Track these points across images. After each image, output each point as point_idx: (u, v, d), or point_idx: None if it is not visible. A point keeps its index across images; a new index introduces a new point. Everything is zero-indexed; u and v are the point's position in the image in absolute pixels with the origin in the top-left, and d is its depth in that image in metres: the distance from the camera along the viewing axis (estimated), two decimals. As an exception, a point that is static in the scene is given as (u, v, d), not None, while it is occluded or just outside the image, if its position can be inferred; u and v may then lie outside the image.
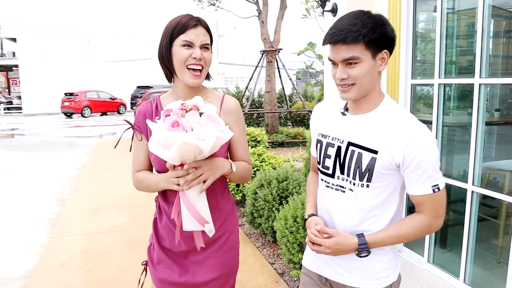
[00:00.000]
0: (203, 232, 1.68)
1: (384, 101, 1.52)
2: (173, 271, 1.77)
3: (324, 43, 1.46)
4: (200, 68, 1.67)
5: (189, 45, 1.63)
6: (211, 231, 1.67)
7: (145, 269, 1.90)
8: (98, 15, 30.06)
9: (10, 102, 32.04)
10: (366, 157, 1.47)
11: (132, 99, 25.47)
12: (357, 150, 1.49)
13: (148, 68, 30.88)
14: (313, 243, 1.53)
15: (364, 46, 1.38)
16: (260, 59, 11.27)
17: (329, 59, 1.47)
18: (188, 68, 1.65)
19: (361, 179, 1.50)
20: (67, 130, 18.00)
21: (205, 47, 1.67)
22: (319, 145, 1.62)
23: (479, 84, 2.87)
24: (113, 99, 26.84)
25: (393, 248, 1.64)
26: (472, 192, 2.99)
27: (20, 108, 30.59)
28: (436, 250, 3.47)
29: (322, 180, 1.62)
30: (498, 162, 3.05)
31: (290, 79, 11.51)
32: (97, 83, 29.36)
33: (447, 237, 3.48)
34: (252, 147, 6.81)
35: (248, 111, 11.43)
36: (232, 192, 4.97)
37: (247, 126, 10.86)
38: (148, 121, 1.55)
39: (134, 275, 3.61)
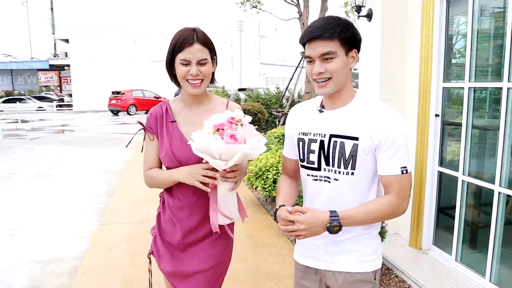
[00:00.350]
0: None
1: (357, 95, 1.66)
2: (173, 263, 1.94)
3: (303, 40, 1.58)
4: (199, 80, 1.80)
5: (186, 63, 1.77)
6: (238, 220, 1.91)
7: (150, 260, 2.07)
8: (144, 18, 30.97)
9: (62, 100, 33.60)
10: (349, 144, 1.58)
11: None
12: (339, 140, 1.59)
13: (191, 68, 31.70)
14: (286, 229, 1.55)
15: (339, 42, 1.52)
16: (300, 61, 11.41)
17: (307, 57, 1.59)
18: (188, 81, 1.80)
19: (345, 167, 1.60)
20: (113, 127, 18.81)
21: (202, 62, 1.79)
22: (301, 143, 1.70)
23: (507, 88, 2.95)
24: (157, 98, 27.39)
25: (377, 235, 1.74)
26: (499, 193, 3.07)
27: (70, 106, 32.05)
28: (464, 249, 3.54)
29: (308, 175, 1.70)
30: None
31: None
32: (142, 82, 30.16)
33: (475, 237, 3.53)
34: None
35: (288, 111, 11.60)
36: (269, 188, 5.18)
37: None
38: (197, 136, 1.65)
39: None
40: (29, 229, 5.02)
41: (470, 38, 3.30)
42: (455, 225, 3.55)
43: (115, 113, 26.24)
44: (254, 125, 1.74)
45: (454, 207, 3.55)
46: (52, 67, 36.24)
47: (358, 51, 1.59)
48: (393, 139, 1.55)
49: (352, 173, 1.60)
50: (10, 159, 10.21)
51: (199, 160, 1.73)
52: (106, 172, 8.29)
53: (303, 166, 1.72)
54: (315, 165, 1.66)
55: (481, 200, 3.41)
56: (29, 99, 31.77)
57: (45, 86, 39.27)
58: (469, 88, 3.34)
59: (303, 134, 1.69)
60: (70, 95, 34.26)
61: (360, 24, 4.34)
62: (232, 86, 24.41)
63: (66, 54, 34.12)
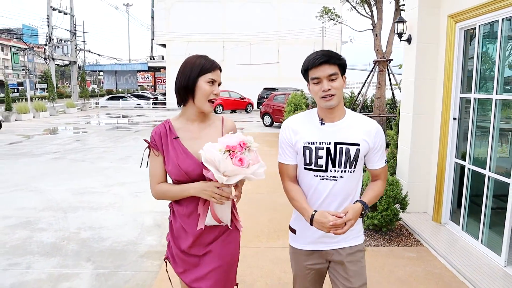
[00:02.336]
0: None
1: (347, 111, 2.07)
2: (189, 268, 2.08)
3: (312, 66, 1.95)
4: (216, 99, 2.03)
5: (212, 82, 1.99)
6: (229, 222, 2.09)
7: (166, 264, 2.21)
8: (232, 24, 32.96)
9: (156, 98, 37.00)
10: (353, 150, 1.99)
11: (259, 99, 27.20)
12: (344, 146, 1.98)
13: (275, 71, 33.22)
14: (334, 228, 1.89)
15: (338, 67, 1.95)
16: (373, 69, 12.41)
17: (314, 78, 1.96)
18: (209, 101, 2.00)
19: (350, 167, 2.00)
20: (203, 124, 20.92)
21: (220, 84, 2.05)
22: (307, 150, 2.01)
23: (496, 99, 4.04)
24: (242, 99, 29.02)
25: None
26: (489, 177, 4.15)
27: (164, 104, 35.20)
28: (468, 222, 4.61)
29: (316, 176, 2.03)
30: None
31: (399, 87, 12.44)
32: (229, 84, 32.13)
33: (475, 212, 4.51)
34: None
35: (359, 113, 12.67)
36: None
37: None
38: (208, 146, 1.86)
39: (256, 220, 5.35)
40: (148, 193, 6.78)
41: (475, 60, 4.41)
42: (462, 204, 4.65)
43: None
44: None
45: (463, 190, 4.65)
46: (150, 69, 39.98)
47: (345, 76, 2.04)
48: (381, 142, 2.06)
49: (353, 171, 2.02)
50: (123, 146, 12.50)
51: (202, 172, 1.92)
52: (199, 159, 10.10)
53: (309, 169, 2.04)
54: (323, 168, 2.00)
55: (479, 183, 4.43)
56: (129, 97, 35.49)
57: (139, 86, 43.33)
58: (473, 98, 4.45)
59: (309, 143, 2.02)
60: (163, 94, 37.44)
61: (402, 46, 5.52)
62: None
63: (162, 57, 37.33)
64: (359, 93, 13.68)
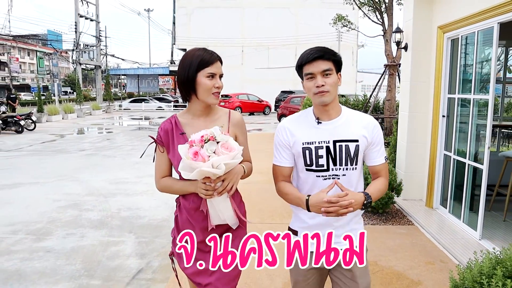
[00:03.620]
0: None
1: (343, 108, 2.00)
2: (194, 263, 1.95)
3: (308, 60, 1.89)
4: (219, 92, 2.00)
5: (212, 76, 1.94)
6: (234, 224, 2.04)
7: (172, 260, 2.16)
8: (251, 29, 33.90)
9: (177, 101, 38.12)
10: (352, 146, 1.93)
11: (276, 102, 27.98)
12: (343, 144, 1.93)
13: (292, 75, 33.97)
14: (331, 206, 1.79)
15: (332, 63, 1.89)
16: (383, 72, 13.09)
17: (308, 74, 1.89)
18: (213, 94, 1.96)
19: (351, 164, 1.95)
20: (222, 125, 21.86)
21: (221, 76, 2.01)
22: (307, 151, 1.95)
23: (473, 99, 4.78)
24: (260, 101, 29.84)
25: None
26: (469, 165, 4.87)
27: (184, 106, 36.24)
28: (454, 205, 5.32)
29: (318, 176, 1.96)
30: None
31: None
32: (248, 87, 33.02)
33: (459, 197, 5.20)
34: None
35: (383, 115, 13.37)
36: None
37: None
38: (179, 147, 1.84)
39: (266, 204, 6.16)
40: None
41: (458, 65, 5.14)
42: (449, 190, 5.37)
43: None
44: None
45: (450, 178, 5.37)
46: (170, 72, 41.20)
47: (341, 73, 1.99)
48: (380, 137, 2.00)
49: (355, 168, 1.97)
50: (146, 145, 13.41)
51: None
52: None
53: (310, 170, 1.98)
54: (325, 167, 1.95)
55: (464, 172, 5.13)
56: (151, 99, 36.70)
57: (160, 89, 44.57)
58: (457, 98, 5.18)
59: (308, 143, 1.96)
60: (184, 97, 38.57)
61: (399, 53, 6.25)
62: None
63: (183, 61, 38.43)
64: (370, 95, 14.36)
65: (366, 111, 14.39)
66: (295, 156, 2.03)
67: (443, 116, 5.53)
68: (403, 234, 4.96)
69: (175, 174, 2.07)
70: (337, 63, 1.93)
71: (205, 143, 1.76)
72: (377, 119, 15.18)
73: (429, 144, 5.80)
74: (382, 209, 5.44)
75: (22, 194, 6.99)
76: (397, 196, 5.59)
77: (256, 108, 29.64)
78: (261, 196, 6.62)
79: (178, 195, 2.12)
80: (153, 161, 2.09)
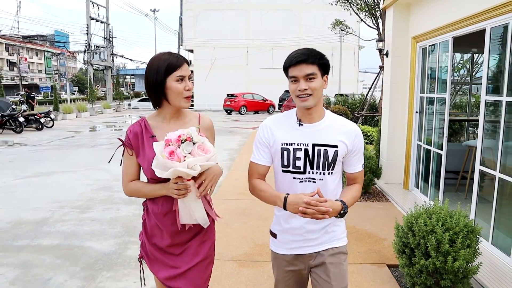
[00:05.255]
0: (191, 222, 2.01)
1: (326, 112, 2.03)
2: (165, 266, 2.06)
3: (291, 63, 1.90)
4: (191, 95, 1.98)
5: (182, 78, 1.92)
6: (206, 224, 2.04)
7: (141, 263, 2.17)
8: (255, 31, 35.00)
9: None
10: (331, 151, 1.95)
11: (279, 101, 29.31)
12: (322, 148, 1.94)
13: (295, 74, 35.11)
14: (309, 208, 1.79)
15: (317, 67, 1.88)
16: (378, 73, 14.15)
17: (292, 77, 1.90)
18: (184, 98, 1.95)
19: (328, 169, 1.96)
20: (228, 123, 22.98)
21: (190, 77, 1.99)
22: (285, 152, 1.97)
23: (436, 97, 5.86)
24: (265, 101, 31.02)
25: (342, 220, 2.14)
26: (433, 151, 5.95)
27: (192, 105, 37.38)
28: (424, 186, 6.40)
29: (294, 178, 1.98)
30: None
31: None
32: (253, 86, 34.09)
33: (427, 179, 6.30)
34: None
35: (365, 113, 14.44)
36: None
37: (365, 125, 13.95)
38: (154, 144, 1.85)
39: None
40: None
41: (426, 69, 6.22)
42: (420, 174, 6.46)
43: (229, 112, 30.20)
44: None
45: (421, 163, 6.46)
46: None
47: (328, 76, 1.97)
48: (360, 146, 2.02)
49: (331, 173, 1.98)
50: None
51: None
52: (228, 149, 12.09)
53: (287, 171, 1.99)
54: (301, 170, 1.96)
55: (430, 158, 6.21)
56: (159, 99, 37.87)
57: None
58: (426, 96, 6.26)
59: (287, 144, 1.97)
60: (191, 96, 39.68)
61: (381, 58, 7.33)
62: (332, 92, 27.27)
63: (190, 62, 39.46)
64: (366, 95, 15.43)
65: (362, 109, 15.49)
66: (274, 156, 2.04)
67: (416, 112, 6.61)
68: (380, 208, 6.06)
69: (143, 178, 2.06)
70: (323, 66, 1.92)
71: (182, 143, 1.77)
72: (373, 116, 16.29)
73: (405, 136, 6.88)
74: (364, 189, 6.52)
75: (59, 180, 8.14)
76: (377, 179, 6.68)
77: (260, 107, 30.75)
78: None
79: (145, 199, 2.09)
80: (120, 165, 2.05)
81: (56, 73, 70.16)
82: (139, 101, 38.16)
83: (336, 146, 1.96)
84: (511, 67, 3.94)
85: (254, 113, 30.09)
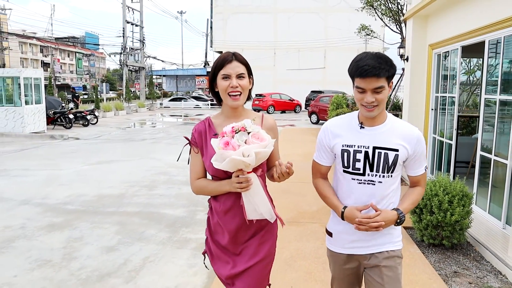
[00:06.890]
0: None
1: (388, 116, 2.04)
2: (225, 264, 2.11)
3: (358, 75, 1.89)
4: (239, 93, 2.00)
5: (227, 77, 1.98)
6: (271, 217, 2.05)
7: (205, 257, 2.25)
8: (283, 33, 36.18)
9: (212, 100, 40.59)
10: (391, 155, 1.97)
11: (306, 101, 29.92)
12: (383, 151, 1.97)
13: (321, 75, 36.09)
14: (362, 225, 1.91)
15: (385, 79, 1.89)
16: (401, 75, 15.07)
17: (358, 87, 1.92)
18: (229, 95, 1.99)
19: (388, 172, 1.98)
20: (257, 122, 24.18)
21: (241, 76, 2.00)
22: (345, 153, 2.01)
23: (448, 96, 6.92)
24: (291, 101, 31.82)
25: None
26: (445, 142, 7.01)
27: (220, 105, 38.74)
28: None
29: (353, 179, 2.02)
30: None
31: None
32: (280, 87, 35.11)
33: (439, 166, 7.34)
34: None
35: (389, 112, 15.38)
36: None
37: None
38: (212, 140, 1.90)
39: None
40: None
41: (441, 73, 7.27)
42: (435, 163, 7.51)
43: (257, 111, 31.21)
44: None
45: (435, 154, 7.51)
46: (207, 73, 43.83)
47: (392, 82, 1.98)
48: (422, 149, 2.04)
49: (391, 176, 2.00)
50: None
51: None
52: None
53: (347, 172, 2.04)
54: (361, 171, 2.00)
55: (443, 149, 7.24)
56: (189, 98, 39.42)
57: (200, 88, 47.44)
58: (440, 96, 7.32)
59: (348, 146, 2.02)
60: (218, 96, 41.11)
61: (404, 63, 8.39)
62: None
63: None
64: (390, 94, 16.34)
65: (386, 108, 16.42)
66: (336, 157, 2.09)
67: (432, 109, 7.65)
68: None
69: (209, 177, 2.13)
70: (390, 76, 1.91)
71: (235, 133, 1.81)
72: (396, 115, 17.19)
73: (422, 130, 7.93)
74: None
75: (120, 167, 9.51)
76: (397, 166, 7.72)
77: (287, 106, 31.68)
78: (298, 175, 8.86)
79: (209, 197, 2.15)
80: (188, 163, 2.13)
81: (87, 73, 73.04)
82: (170, 100, 39.77)
83: (397, 150, 1.97)
84: (503, 72, 5.00)
85: (281, 113, 31.05)
